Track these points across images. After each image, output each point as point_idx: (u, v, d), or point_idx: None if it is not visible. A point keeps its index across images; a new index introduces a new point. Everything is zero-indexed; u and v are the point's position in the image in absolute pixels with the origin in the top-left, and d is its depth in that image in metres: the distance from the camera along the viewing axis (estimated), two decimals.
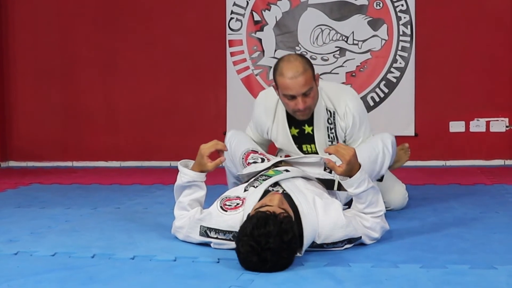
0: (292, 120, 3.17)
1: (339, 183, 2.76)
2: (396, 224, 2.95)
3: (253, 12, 5.79)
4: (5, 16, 6.20)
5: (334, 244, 2.48)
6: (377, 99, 5.67)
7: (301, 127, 3.18)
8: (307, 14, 5.73)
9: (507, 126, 5.61)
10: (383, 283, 2.09)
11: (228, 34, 5.85)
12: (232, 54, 5.85)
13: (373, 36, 5.65)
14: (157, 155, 6.03)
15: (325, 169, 2.90)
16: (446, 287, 2.04)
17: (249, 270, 2.21)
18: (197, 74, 5.96)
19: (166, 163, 5.97)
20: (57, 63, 6.16)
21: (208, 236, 2.57)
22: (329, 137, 3.16)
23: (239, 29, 5.83)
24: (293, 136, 3.20)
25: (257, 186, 2.61)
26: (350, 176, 2.53)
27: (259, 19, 5.79)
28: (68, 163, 6.20)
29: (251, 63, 5.83)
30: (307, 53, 5.71)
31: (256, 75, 5.82)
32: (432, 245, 2.59)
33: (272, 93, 3.16)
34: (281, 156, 3.22)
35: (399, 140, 3.42)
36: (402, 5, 5.60)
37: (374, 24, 5.64)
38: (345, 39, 5.68)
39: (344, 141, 3.19)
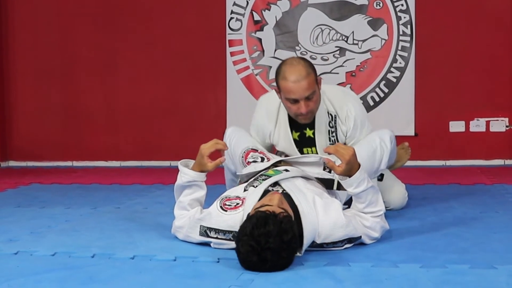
0: (293, 124, 3.16)
1: (338, 182, 2.76)
2: (396, 224, 2.95)
3: (253, 12, 5.79)
4: (5, 16, 6.20)
5: (334, 243, 2.48)
6: (377, 99, 5.67)
7: (302, 130, 3.17)
8: (307, 14, 5.72)
9: (507, 126, 5.61)
10: (383, 283, 2.09)
11: (228, 34, 5.85)
12: (232, 54, 5.85)
13: (373, 36, 5.65)
14: (157, 155, 6.03)
15: (324, 169, 2.90)
16: (446, 286, 2.04)
17: (249, 270, 2.21)
18: (197, 74, 5.95)
19: (166, 163, 5.97)
20: (57, 63, 6.16)
21: (208, 236, 2.57)
22: (330, 140, 3.15)
23: (239, 29, 5.83)
24: (294, 140, 3.18)
25: (256, 186, 2.61)
26: (350, 176, 2.53)
27: (259, 19, 5.79)
28: (68, 163, 6.20)
29: (251, 63, 5.83)
30: (307, 53, 5.71)
31: (256, 75, 5.82)
32: (432, 245, 2.59)
33: (274, 97, 3.14)
34: (281, 156, 3.21)
35: (399, 139, 3.42)
36: (402, 5, 5.60)
37: (374, 24, 5.64)
38: (345, 39, 5.68)
39: (345, 143, 3.18)
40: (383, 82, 5.66)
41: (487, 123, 5.63)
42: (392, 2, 5.60)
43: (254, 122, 3.29)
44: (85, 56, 6.11)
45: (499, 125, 5.61)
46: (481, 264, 2.26)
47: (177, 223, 2.73)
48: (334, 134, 3.14)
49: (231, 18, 5.83)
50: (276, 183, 2.63)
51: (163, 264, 2.37)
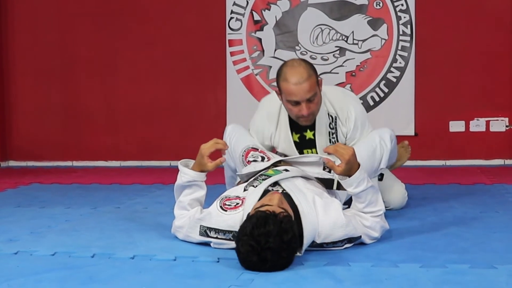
0: (293, 126, 3.15)
1: (338, 182, 2.76)
2: (396, 224, 2.95)
3: (253, 12, 5.79)
4: (4, 16, 6.20)
5: (334, 243, 2.48)
6: (377, 99, 5.67)
7: (302, 132, 3.17)
8: (307, 13, 5.72)
9: (507, 126, 5.61)
10: (383, 283, 2.09)
11: (228, 33, 5.85)
12: (232, 53, 5.85)
13: (373, 35, 5.65)
14: (157, 154, 6.03)
15: (324, 169, 2.90)
16: (446, 286, 2.04)
17: (249, 269, 2.21)
18: (197, 74, 5.95)
19: (166, 163, 5.97)
20: (57, 63, 6.16)
21: (208, 236, 2.57)
22: (330, 142, 3.14)
23: (239, 29, 5.83)
24: (294, 141, 3.17)
25: (256, 186, 2.61)
26: (350, 176, 2.53)
27: (259, 18, 5.79)
28: (68, 163, 6.20)
29: (251, 62, 5.83)
30: (307, 53, 5.71)
31: (256, 74, 5.82)
32: (432, 245, 2.59)
33: (275, 99, 3.14)
34: (281, 156, 3.21)
35: (399, 139, 3.42)
36: (402, 5, 5.60)
37: (374, 23, 5.64)
38: (345, 39, 5.68)
39: (345, 144, 3.18)
40: (383, 82, 5.66)
41: (487, 123, 5.63)
42: (392, 2, 5.60)
43: (254, 125, 3.26)
44: (85, 56, 6.11)
45: (499, 125, 5.61)
46: (481, 264, 2.26)
47: (177, 223, 2.73)
48: (334, 135, 3.14)
49: (231, 18, 5.83)
50: (276, 183, 2.63)
51: (163, 264, 2.37)
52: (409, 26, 5.61)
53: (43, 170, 5.79)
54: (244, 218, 2.34)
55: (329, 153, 2.57)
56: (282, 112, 3.16)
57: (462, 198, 3.76)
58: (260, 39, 5.80)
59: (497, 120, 5.61)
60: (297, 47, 5.74)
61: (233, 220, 2.49)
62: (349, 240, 2.51)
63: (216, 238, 2.55)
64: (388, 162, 3.17)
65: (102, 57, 6.08)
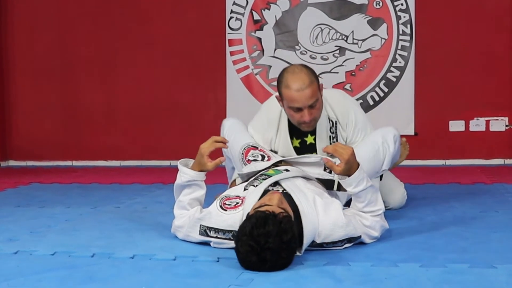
0: (294, 131, 3.14)
1: (338, 183, 2.76)
2: (395, 223, 2.95)
3: (253, 11, 5.79)
4: (4, 15, 6.19)
5: (334, 243, 2.48)
6: (377, 99, 5.67)
7: (303, 138, 3.16)
8: (307, 13, 5.72)
9: (506, 125, 5.61)
10: (382, 282, 2.09)
11: (228, 33, 5.85)
12: (231, 53, 5.85)
13: (373, 35, 5.65)
14: (157, 154, 6.03)
15: (325, 169, 2.89)
16: (445, 286, 2.04)
17: (248, 269, 2.21)
18: (197, 73, 5.95)
19: (165, 163, 5.97)
20: (56, 63, 6.16)
21: (207, 235, 2.57)
22: None
23: (238, 28, 5.83)
24: (295, 147, 3.16)
25: (257, 185, 2.61)
26: (349, 175, 2.53)
27: (259, 18, 5.79)
28: (68, 163, 6.20)
29: (250, 62, 5.83)
30: (306, 53, 5.71)
31: (256, 74, 5.82)
32: (431, 244, 2.59)
33: (275, 104, 3.12)
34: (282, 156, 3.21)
35: None
36: (402, 4, 5.60)
37: (374, 23, 5.64)
38: (345, 38, 5.68)
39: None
40: (383, 81, 5.66)
41: (487, 122, 5.63)
42: (392, 2, 5.60)
43: (253, 129, 3.23)
44: (84, 56, 6.11)
45: (499, 124, 5.61)
46: (480, 264, 2.26)
47: (177, 223, 2.73)
48: (335, 140, 3.13)
49: (231, 17, 5.83)
50: (276, 183, 2.63)
51: (163, 264, 2.37)
52: (409, 26, 5.61)
53: (43, 170, 5.79)
54: (244, 217, 2.34)
55: (328, 153, 2.57)
56: (283, 117, 3.15)
57: (462, 197, 3.76)
58: (260, 39, 5.80)
59: (497, 119, 5.61)
60: (297, 47, 5.74)
61: (233, 219, 2.49)
62: (349, 240, 2.51)
63: (216, 237, 2.54)
64: (391, 163, 3.16)
65: (102, 56, 6.08)
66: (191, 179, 2.70)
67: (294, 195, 2.50)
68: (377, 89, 5.67)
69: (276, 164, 2.92)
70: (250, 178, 2.82)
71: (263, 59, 5.81)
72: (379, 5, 5.62)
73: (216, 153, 2.79)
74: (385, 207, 2.76)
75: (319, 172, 2.88)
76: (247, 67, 5.84)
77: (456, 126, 5.66)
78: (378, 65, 5.66)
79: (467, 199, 3.68)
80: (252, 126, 3.25)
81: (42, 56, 6.17)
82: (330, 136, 3.12)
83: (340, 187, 2.80)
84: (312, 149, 3.14)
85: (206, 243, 2.59)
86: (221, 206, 2.57)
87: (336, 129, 3.13)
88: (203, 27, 5.90)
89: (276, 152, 3.17)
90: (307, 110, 2.92)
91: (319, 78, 3.07)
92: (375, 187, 2.63)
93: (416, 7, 5.60)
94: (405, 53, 5.62)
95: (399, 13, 5.61)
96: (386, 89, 5.67)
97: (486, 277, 2.12)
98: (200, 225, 2.58)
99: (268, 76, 5.77)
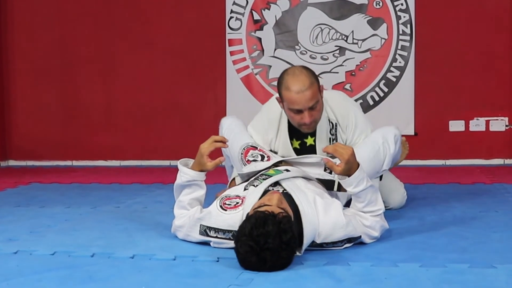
0: (294, 132, 3.14)
1: (339, 184, 2.76)
2: (395, 223, 2.95)
3: (253, 11, 5.79)
4: (4, 15, 6.19)
5: (334, 243, 2.48)
6: (377, 98, 5.67)
7: (303, 139, 3.15)
8: (307, 13, 5.72)
9: (506, 125, 5.61)
10: (382, 282, 2.09)
11: (228, 33, 5.85)
12: (231, 53, 5.85)
13: (373, 35, 5.65)
14: (157, 154, 6.03)
15: (325, 170, 2.89)
16: (445, 286, 2.04)
17: (248, 269, 2.21)
18: (197, 73, 5.95)
19: (165, 162, 5.97)
20: (56, 62, 6.15)
21: (207, 235, 2.57)
22: None
23: (238, 28, 5.82)
24: (294, 148, 3.16)
25: (257, 185, 2.61)
26: (349, 175, 2.52)
27: (259, 18, 5.79)
28: (68, 162, 6.19)
29: (250, 62, 5.83)
30: (306, 52, 5.71)
31: (256, 74, 5.82)
32: (431, 244, 2.59)
33: (275, 105, 3.12)
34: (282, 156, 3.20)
35: None
36: (402, 4, 5.60)
37: (374, 23, 5.64)
38: (345, 38, 5.68)
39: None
40: (383, 81, 5.66)
41: (487, 122, 5.63)
42: (392, 2, 5.60)
43: (253, 130, 3.23)
44: (84, 55, 6.10)
45: (498, 124, 5.61)
46: (480, 263, 2.26)
47: (177, 223, 2.73)
48: (334, 141, 3.12)
49: (231, 17, 5.83)
50: (277, 183, 2.63)
51: (163, 263, 2.37)
52: (409, 26, 5.61)
53: (43, 170, 5.79)
54: (244, 217, 2.34)
55: (328, 153, 2.57)
56: (283, 119, 3.15)
57: (461, 197, 3.76)
58: (260, 39, 5.80)
59: (497, 119, 5.61)
60: (296, 47, 5.74)
61: (233, 219, 2.49)
62: (349, 240, 2.51)
63: (216, 237, 2.54)
64: (392, 163, 3.16)
65: (102, 56, 6.08)
66: (191, 179, 2.70)
67: (294, 195, 2.50)
68: (377, 89, 5.67)
69: (276, 164, 2.92)
70: (250, 178, 2.82)
71: (263, 59, 5.81)
72: (379, 5, 5.62)
73: (216, 153, 2.79)
74: (385, 207, 2.76)
75: (319, 173, 2.88)
76: (247, 67, 5.84)
77: (456, 126, 5.66)
78: (378, 65, 5.66)
79: (467, 199, 3.68)
80: (252, 127, 3.25)
81: (42, 56, 6.16)
82: (330, 138, 3.12)
83: (340, 188, 2.80)
84: (312, 150, 3.13)
85: (206, 243, 2.59)
86: (221, 206, 2.57)
87: (336, 131, 3.12)
88: (203, 27, 5.90)
89: (276, 153, 3.17)
90: (307, 112, 2.92)
91: (319, 79, 3.07)
92: (375, 187, 2.63)
93: (416, 7, 5.60)
94: (405, 53, 5.62)
95: (399, 13, 5.61)
96: (386, 89, 5.67)
97: (486, 277, 2.12)
98: (200, 225, 2.58)
99: (268, 76, 5.77)
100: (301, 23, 5.73)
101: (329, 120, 3.11)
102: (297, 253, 2.32)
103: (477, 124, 5.63)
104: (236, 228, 2.31)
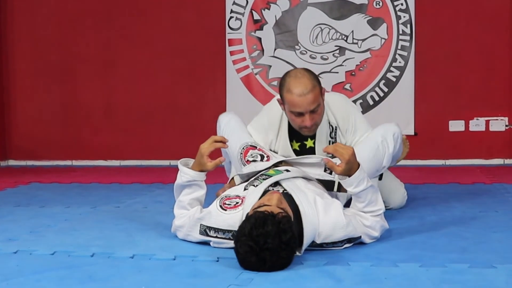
0: (294, 134, 3.13)
1: (339, 184, 2.76)
2: (395, 223, 2.95)
3: (253, 11, 5.79)
4: (4, 16, 6.19)
5: (334, 243, 2.48)
6: (377, 98, 5.67)
7: (302, 141, 3.15)
8: (307, 13, 5.72)
9: (506, 125, 5.61)
10: (382, 282, 2.09)
11: (228, 33, 5.85)
12: (231, 53, 5.85)
13: (373, 35, 5.65)
14: (157, 154, 6.03)
15: (325, 170, 2.89)
16: (445, 286, 2.04)
17: (248, 269, 2.21)
18: (197, 73, 5.95)
19: (165, 162, 5.97)
20: (56, 62, 6.15)
21: (207, 235, 2.57)
22: None
23: (238, 28, 5.82)
24: (294, 150, 3.15)
25: (257, 185, 2.61)
26: (350, 175, 2.52)
27: (259, 18, 5.79)
28: (68, 162, 6.19)
29: (250, 62, 5.83)
30: (306, 52, 5.71)
31: (256, 74, 5.82)
32: (431, 244, 2.59)
33: (276, 107, 3.12)
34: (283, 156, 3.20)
35: None
36: (402, 4, 5.60)
37: (374, 23, 5.64)
38: (345, 38, 5.68)
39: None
40: (383, 81, 5.66)
41: (487, 122, 5.63)
42: (392, 2, 5.60)
43: (253, 131, 3.22)
44: (84, 55, 6.10)
45: (498, 124, 5.61)
46: (480, 263, 2.26)
47: (177, 222, 2.73)
48: None
49: (231, 17, 5.83)
50: (277, 183, 2.63)
51: (163, 263, 2.37)
52: (408, 26, 5.60)
53: (43, 170, 5.79)
54: (244, 217, 2.34)
55: (328, 153, 2.57)
56: (283, 120, 3.14)
57: (461, 197, 3.76)
58: (259, 39, 5.80)
59: (497, 119, 5.61)
60: (296, 47, 5.74)
61: (233, 219, 2.49)
62: (349, 240, 2.51)
63: (216, 237, 2.54)
64: (392, 162, 3.16)
65: (102, 56, 6.08)
66: (191, 179, 2.70)
67: (294, 195, 2.50)
68: (377, 89, 5.67)
69: (276, 164, 2.92)
70: (250, 178, 2.82)
71: (263, 59, 5.81)
72: (379, 5, 5.62)
73: (216, 153, 2.79)
74: (385, 207, 2.76)
75: (319, 173, 2.88)
76: (247, 66, 5.84)
77: (456, 126, 5.66)
78: (378, 65, 5.66)
79: (467, 199, 3.68)
80: (252, 127, 3.24)
81: (42, 56, 6.16)
82: (329, 141, 3.12)
83: (340, 188, 2.80)
84: (311, 152, 3.13)
85: (206, 243, 2.59)
86: (221, 206, 2.57)
87: (336, 134, 3.12)
88: (203, 27, 5.90)
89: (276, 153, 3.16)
90: (308, 115, 2.91)
91: (320, 79, 3.07)
92: (375, 187, 2.63)
93: (416, 7, 5.60)
94: (405, 53, 5.62)
95: (399, 13, 5.61)
96: (386, 89, 5.67)
97: (486, 277, 2.12)
98: (200, 224, 2.58)
99: (268, 76, 5.77)
100: (301, 23, 5.73)
101: (329, 123, 3.11)
102: (297, 253, 2.31)
103: (477, 124, 5.63)
104: (236, 228, 2.31)
